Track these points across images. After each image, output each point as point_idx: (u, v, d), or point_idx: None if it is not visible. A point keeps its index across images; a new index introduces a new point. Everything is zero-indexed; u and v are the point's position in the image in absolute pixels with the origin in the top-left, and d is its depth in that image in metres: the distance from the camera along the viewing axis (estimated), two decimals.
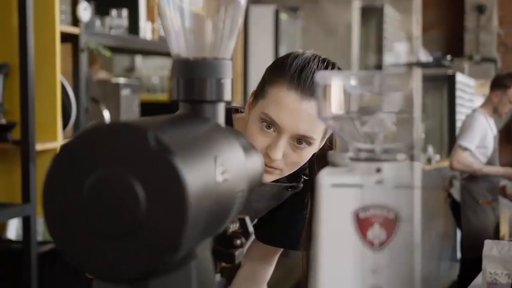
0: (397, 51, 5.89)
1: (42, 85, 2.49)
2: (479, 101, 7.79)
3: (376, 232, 0.67)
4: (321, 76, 0.70)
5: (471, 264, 4.23)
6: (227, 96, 0.79)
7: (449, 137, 7.34)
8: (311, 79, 1.21)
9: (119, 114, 3.07)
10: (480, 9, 9.14)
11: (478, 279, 2.13)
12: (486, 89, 8.00)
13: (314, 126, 1.23)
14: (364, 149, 0.70)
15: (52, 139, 2.53)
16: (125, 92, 3.17)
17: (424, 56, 6.20)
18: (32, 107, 2.36)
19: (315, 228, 0.69)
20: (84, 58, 2.74)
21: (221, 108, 0.79)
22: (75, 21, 2.70)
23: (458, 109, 7.37)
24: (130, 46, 3.25)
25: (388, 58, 5.85)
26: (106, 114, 3.03)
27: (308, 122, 1.23)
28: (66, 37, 2.67)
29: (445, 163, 6.00)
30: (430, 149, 6.78)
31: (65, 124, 2.64)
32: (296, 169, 1.31)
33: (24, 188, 2.33)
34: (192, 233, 0.62)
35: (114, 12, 3.11)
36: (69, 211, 0.61)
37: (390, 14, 7.62)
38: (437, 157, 6.50)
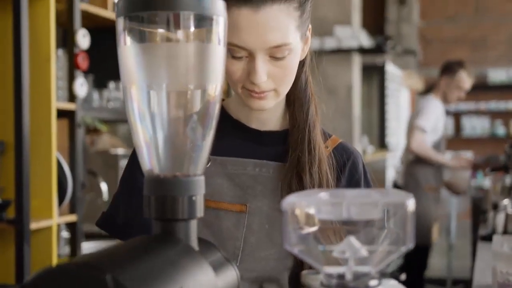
0: (338, 35, 5.87)
1: (38, 163, 2.49)
2: (404, 92, 7.84)
3: None
4: (288, 202, 0.68)
5: (411, 253, 4.13)
6: (200, 212, 0.78)
7: (378, 128, 7.31)
8: None
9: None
10: (401, 1, 9.27)
11: (487, 279, 1.87)
12: (412, 80, 8.07)
13: (282, 31, 1.12)
14: (334, 274, 0.68)
15: (48, 217, 2.52)
16: (124, 163, 3.17)
17: (366, 41, 6.15)
18: (27, 185, 2.35)
19: None
20: (80, 133, 2.75)
21: (193, 225, 0.78)
22: (72, 96, 2.72)
23: (386, 99, 7.40)
24: (127, 118, 3.25)
25: (329, 43, 5.84)
26: (104, 187, 3.02)
27: (273, 31, 1.11)
28: (63, 113, 2.69)
29: (380, 155, 5.93)
30: (365, 140, 6.69)
31: (61, 200, 2.63)
32: (291, 84, 1.18)
33: (18, 269, 2.31)
34: None
35: (112, 84, 3.14)
36: None
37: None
38: (371, 148, 6.42)
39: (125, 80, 0.79)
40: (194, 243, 0.77)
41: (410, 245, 0.66)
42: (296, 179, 1.19)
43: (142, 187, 1.27)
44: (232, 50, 1.13)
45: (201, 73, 0.77)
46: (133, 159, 1.29)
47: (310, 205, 0.69)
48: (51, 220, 2.53)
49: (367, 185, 1.30)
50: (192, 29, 0.75)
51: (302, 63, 1.26)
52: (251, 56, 1.13)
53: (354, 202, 0.68)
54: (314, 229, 0.70)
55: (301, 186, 1.18)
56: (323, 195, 0.72)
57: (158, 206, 0.76)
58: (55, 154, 2.54)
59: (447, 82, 4.30)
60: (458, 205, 6.01)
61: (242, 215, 1.20)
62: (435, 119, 4.22)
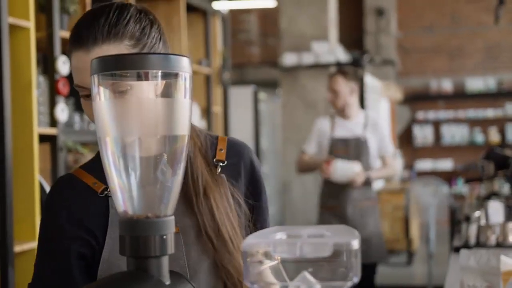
0: (316, 51, 5.98)
1: (20, 186, 2.55)
2: (384, 102, 7.98)
3: None
4: (247, 243, 0.76)
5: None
6: (171, 249, 0.86)
7: None
8: (87, 27, 1.18)
9: None
10: (379, 12, 9.41)
11: None
12: (391, 91, 8.16)
13: None
14: None
15: (31, 239, 2.58)
16: None
17: (343, 55, 6.24)
18: (10, 209, 2.41)
19: None
20: (62, 156, 2.81)
21: (165, 261, 0.85)
22: (53, 121, 2.78)
23: (366, 110, 7.48)
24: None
25: (307, 58, 5.97)
26: None
27: None
28: (45, 137, 2.75)
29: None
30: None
31: None
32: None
33: None
34: None
35: None
36: None
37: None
38: None
39: (100, 131, 0.87)
40: (166, 278, 0.85)
41: (355, 279, 0.74)
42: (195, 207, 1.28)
43: (66, 250, 1.30)
44: (79, 90, 1.22)
45: (169, 124, 0.86)
46: (50, 220, 1.29)
47: (267, 245, 0.77)
48: (35, 243, 2.58)
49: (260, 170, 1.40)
50: (160, 85, 0.84)
51: None
52: None
53: (307, 242, 0.76)
54: (271, 266, 0.78)
55: (199, 213, 1.27)
56: (280, 235, 0.80)
57: (132, 245, 0.84)
58: (37, 177, 2.60)
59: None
60: (438, 212, 6.11)
61: (177, 236, 1.25)
62: (316, 138, 4.21)
